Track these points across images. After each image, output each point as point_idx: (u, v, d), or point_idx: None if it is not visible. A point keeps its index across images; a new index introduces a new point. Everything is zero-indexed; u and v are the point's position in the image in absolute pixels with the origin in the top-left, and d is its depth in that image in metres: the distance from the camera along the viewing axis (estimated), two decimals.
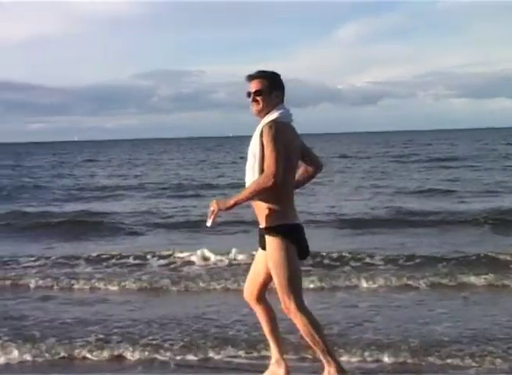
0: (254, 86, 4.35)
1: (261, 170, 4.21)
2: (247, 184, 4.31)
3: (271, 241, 4.32)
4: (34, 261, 10.10)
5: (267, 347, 5.02)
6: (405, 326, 6.30)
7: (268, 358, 4.89)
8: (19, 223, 15.21)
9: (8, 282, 8.88)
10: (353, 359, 5.42)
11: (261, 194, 4.21)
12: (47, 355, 5.72)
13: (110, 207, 18.60)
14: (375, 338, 5.91)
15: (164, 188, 24.87)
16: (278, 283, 4.34)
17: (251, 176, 4.29)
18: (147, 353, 5.72)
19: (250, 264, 4.76)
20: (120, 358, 5.68)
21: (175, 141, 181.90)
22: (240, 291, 5.38)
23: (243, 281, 4.95)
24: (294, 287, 4.34)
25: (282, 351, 4.70)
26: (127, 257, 10.17)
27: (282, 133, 4.23)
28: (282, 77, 4.42)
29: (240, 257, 9.69)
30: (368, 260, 9.53)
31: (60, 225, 14.77)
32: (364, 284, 8.26)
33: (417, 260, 9.45)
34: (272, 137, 4.18)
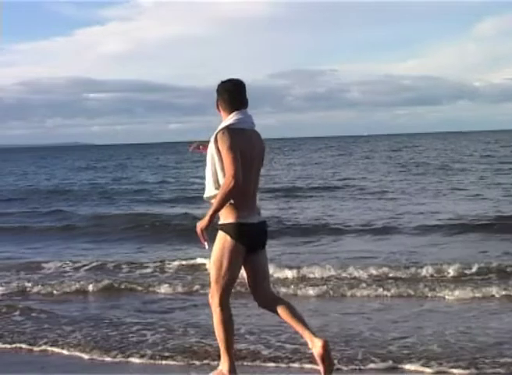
0: None
1: (222, 173, 4.53)
2: (206, 186, 4.66)
3: (218, 235, 4.64)
4: None
5: None
6: None
7: None
8: None
9: None
10: None
11: (228, 198, 4.48)
12: None
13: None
14: None
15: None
16: (212, 275, 4.67)
17: (210, 178, 4.62)
18: None
19: None
20: None
21: (308, 140, 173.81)
22: None
23: None
24: (225, 283, 4.62)
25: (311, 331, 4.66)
26: None
27: (234, 138, 4.52)
28: (232, 82, 4.71)
29: None
30: None
31: None
32: None
33: None
34: (225, 142, 4.50)
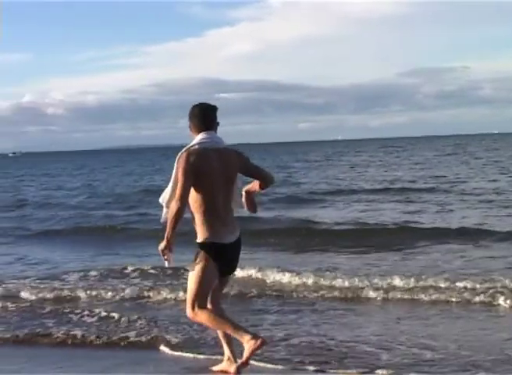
0: None
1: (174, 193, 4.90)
2: (164, 191, 5.05)
3: (197, 252, 4.95)
4: None
5: None
6: None
7: None
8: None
9: None
10: None
11: (178, 220, 4.79)
12: None
13: None
14: None
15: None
16: (189, 291, 5.00)
17: (170, 188, 4.99)
18: None
19: None
20: None
21: (440, 138, 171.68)
22: None
23: None
24: (199, 298, 4.93)
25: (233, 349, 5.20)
26: None
27: (193, 159, 4.87)
28: (199, 107, 5.09)
29: None
30: None
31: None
32: None
33: None
34: (180, 165, 4.87)
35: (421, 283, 8.41)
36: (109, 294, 8.72)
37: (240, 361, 5.02)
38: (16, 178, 49.78)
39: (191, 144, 5.03)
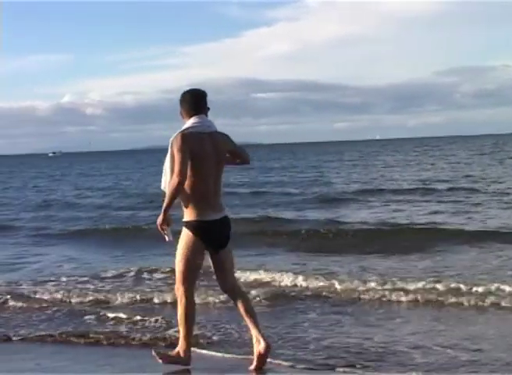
0: None
1: (172, 172, 5.09)
2: (163, 178, 5.26)
3: (182, 232, 5.21)
4: None
5: None
6: None
7: None
8: None
9: None
10: None
11: (176, 193, 5.03)
12: None
13: None
14: None
15: None
16: (176, 268, 5.25)
17: (168, 173, 5.16)
18: None
19: None
20: None
21: (478, 138, 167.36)
22: None
23: None
24: (188, 276, 5.19)
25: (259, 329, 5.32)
26: None
27: (187, 141, 5.08)
28: (190, 93, 5.31)
29: None
30: None
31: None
32: None
33: None
34: (175, 146, 5.08)
35: (457, 285, 8.29)
36: (148, 295, 8.63)
37: (161, 361, 5.35)
38: (50, 178, 50.34)
39: (183, 128, 5.21)
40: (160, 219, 5.09)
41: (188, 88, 5.41)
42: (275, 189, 27.55)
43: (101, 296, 8.69)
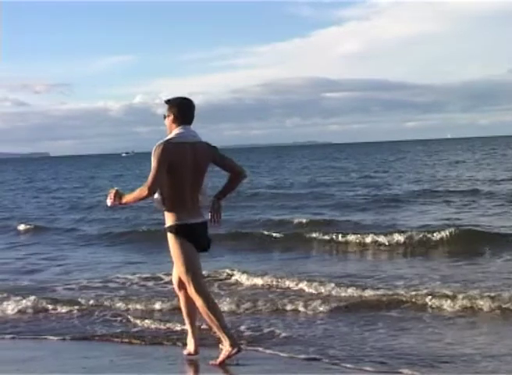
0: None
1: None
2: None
3: (168, 237, 5.45)
4: None
5: None
6: None
7: None
8: None
9: None
10: None
11: (140, 200, 5.38)
12: None
13: None
14: None
15: None
16: (179, 272, 5.48)
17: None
18: None
19: None
20: None
21: None
22: None
23: None
24: (191, 274, 5.39)
25: (195, 329, 5.75)
26: None
27: (168, 152, 5.25)
28: (188, 103, 5.47)
29: None
30: None
31: None
32: None
33: None
34: (154, 155, 5.24)
35: None
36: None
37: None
38: (106, 179, 50.51)
39: (167, 137, 5.38)
40: (118, 201, 5.38)
41: (183, 97, 5.51)
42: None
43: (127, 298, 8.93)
